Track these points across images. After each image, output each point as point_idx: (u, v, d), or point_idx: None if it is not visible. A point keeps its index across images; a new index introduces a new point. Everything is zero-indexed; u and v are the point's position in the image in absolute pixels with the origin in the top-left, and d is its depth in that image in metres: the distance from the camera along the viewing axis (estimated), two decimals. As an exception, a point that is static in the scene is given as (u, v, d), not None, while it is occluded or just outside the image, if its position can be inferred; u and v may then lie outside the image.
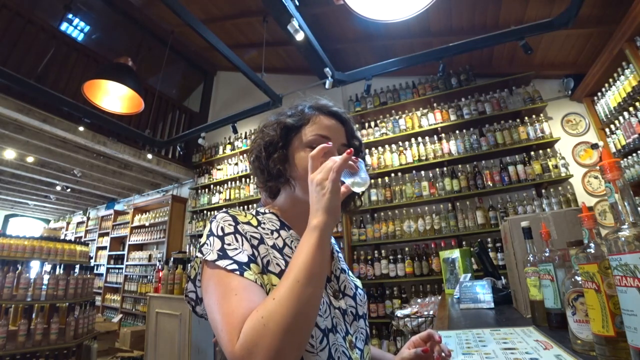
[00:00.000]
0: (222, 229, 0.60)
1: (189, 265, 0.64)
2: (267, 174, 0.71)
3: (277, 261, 0.60)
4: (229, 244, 0.57)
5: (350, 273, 0.79)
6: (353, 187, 0.60)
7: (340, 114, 0.75)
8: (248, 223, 0.64)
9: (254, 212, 0.70)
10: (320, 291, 0.52)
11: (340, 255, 0.81)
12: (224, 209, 0.65)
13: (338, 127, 0.73)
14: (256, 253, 0.59)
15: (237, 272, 0.53)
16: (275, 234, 0.66)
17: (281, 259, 0.61)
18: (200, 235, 5.01)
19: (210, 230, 0.60)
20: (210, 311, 0.53)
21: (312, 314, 0.50)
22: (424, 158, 3.46)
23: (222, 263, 0.55)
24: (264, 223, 0.67)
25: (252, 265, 0.56)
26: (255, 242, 0.61)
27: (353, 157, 0.58)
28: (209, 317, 0.54)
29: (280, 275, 0.58)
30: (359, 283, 0.77)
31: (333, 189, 0.55)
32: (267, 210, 0.72)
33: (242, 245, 0.58)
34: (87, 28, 5.02)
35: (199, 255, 0.58)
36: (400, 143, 3.63)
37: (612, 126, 2.70)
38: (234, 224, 0.61)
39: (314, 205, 0.56)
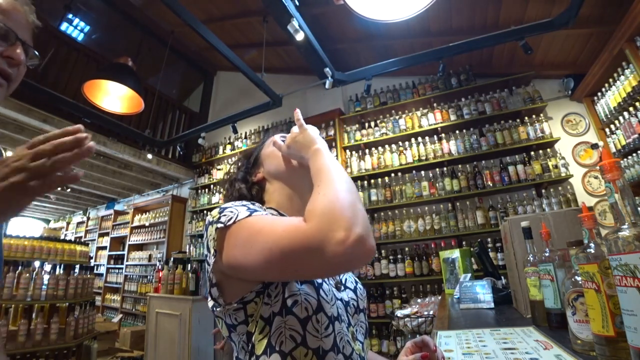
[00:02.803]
0: (241, 204, 0.60)
1: (211, 238, 0.59)
2: (243, 182, 0.79)
3: None
4: (255, 209, 0.58)
5: None
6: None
7: None
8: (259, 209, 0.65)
9: None
10: (350, 183, 0.57)
11: None
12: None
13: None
14: None
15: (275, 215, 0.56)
16: None
17: None
18: (201, 236, 5.01)
19: (225, 207, 0.59)
20: (251, 242, 0.51)
21: (356, 193, 0.55)
22: (424, 158, 3.46)
23: (257, 213, 0.56)
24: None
25: None
26: None
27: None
28: (251, 249, 0.50)
29: None
30: (358, 280, 0.79)
31: (303, 125, 0.71)
32: (266, 207, 0.73)
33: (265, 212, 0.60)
34: (87, 28, 5.01)
35: (219, 225, 0.55)
36: (400, 143, 3.63)
37: (612, 126, 2.70)
38: (249, 204, 0.62)
39: (303, 148, 0.68)
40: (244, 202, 0.61)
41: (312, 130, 0.70)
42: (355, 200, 0.51)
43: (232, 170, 0.85)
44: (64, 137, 0.47)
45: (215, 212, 0.60)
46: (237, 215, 0.55)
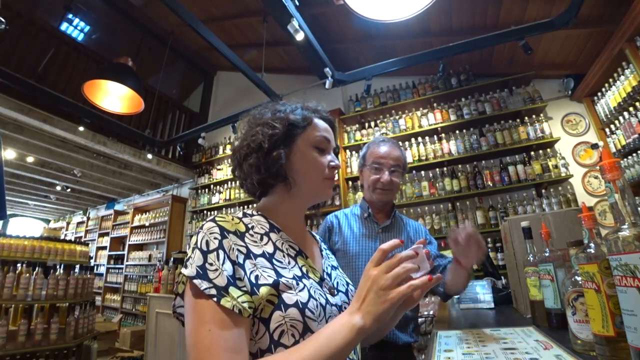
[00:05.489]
0: (207, 243, 0.56)
1: (176, 282, 0.62)
2: (265, 170, 0.67)
3: (268, 272, 0.58)
4: (211, 264, 0.54)
5: (340, 270, 0.80)
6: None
7: (331, 119, 0.80)
8: (235, 232, 0.60)
9: (240, 215, 0.67)
10: None
11: (328, 253, 0.82)
12: (212, 217, 0.61)
13: (331, 131, 0.78)
14: (241, 272, 0.55)
15: (215, 299, 0.51)
16: (265, 239, 0.64)
17: (271, 270, 0.59)
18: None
19: (196, 242, 0.57)
20: (186, 335, 0.52)
21: None
22: (424, 158, 3.46)
23: (200, 284, 0.52)
24: (252, 227, 0.64)
25: (230, 289, 0.53)
26: (241, 258, 0.57)
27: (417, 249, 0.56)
28: (186, 340, 0.52)
29: (274, 285, 0.56)
30: (349, 281, 0.79)
31: (397, 302, 0.50)
32: (254, 212, 0.70)
33: (223, 264, 0.54)
34: (87, 28, 5.01)
35: (182, 270, 0.56)
36: (400, 143, 3.62)
37: (612, 126, 2.70)
38: (219, 237, 0.57)
39: (367, 304, 0.51)
40: (211, 243, 0.56)
41: (393, 310, 0.51)
42: None
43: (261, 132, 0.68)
44: None
45: (193, 241, 0.58)
46: (189, 267, 0.54)
